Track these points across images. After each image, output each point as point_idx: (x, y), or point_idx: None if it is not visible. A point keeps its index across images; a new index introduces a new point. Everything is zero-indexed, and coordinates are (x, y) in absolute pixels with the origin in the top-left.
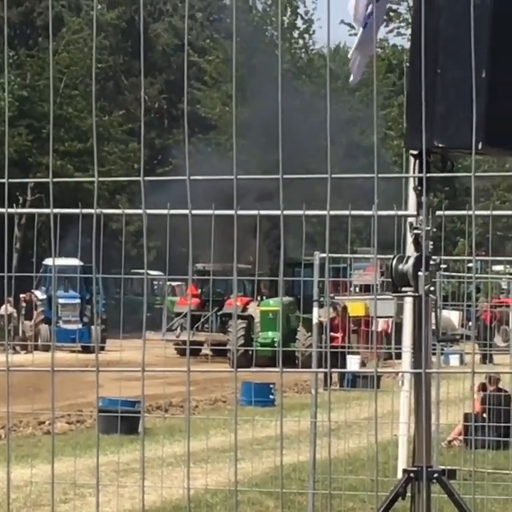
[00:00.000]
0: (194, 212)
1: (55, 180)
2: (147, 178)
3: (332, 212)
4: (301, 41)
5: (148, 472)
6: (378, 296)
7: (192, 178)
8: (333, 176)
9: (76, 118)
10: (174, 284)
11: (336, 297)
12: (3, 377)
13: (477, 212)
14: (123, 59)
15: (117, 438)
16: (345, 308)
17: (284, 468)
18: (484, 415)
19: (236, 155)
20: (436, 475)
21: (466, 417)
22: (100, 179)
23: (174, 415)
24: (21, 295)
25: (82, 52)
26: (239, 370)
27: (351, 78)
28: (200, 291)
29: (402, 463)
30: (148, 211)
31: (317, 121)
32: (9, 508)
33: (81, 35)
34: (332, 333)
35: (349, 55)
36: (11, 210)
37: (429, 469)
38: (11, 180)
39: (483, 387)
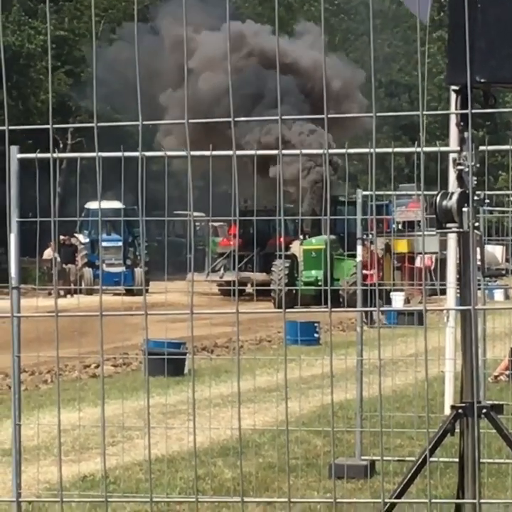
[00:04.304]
0: (238, 152)
1: (99, 124)
2: (192, 121)
3: (377, 150)
4: None
5: (196, 413)
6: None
7: (237, 119)
8: (377, 114)
9: None
10: (216, 224)
11: (379, 234)
12: (49, 322)
13: None
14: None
15: (163, 380)
16: (388, 246)
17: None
18: None
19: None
20: (484, 410)
21: None
22: (145, 123)
23: (219, 356)
24: (61, 237)
25: None
26: (287, 310)
27: None
28: (242, 231)
29: (448, 399)
30: (192, 153)
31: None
32: (60, 451)
33: None
34: (365, 271)
35: None
36: (56, 155)
37: (477, 405)
38: (55, 125)
39: None
